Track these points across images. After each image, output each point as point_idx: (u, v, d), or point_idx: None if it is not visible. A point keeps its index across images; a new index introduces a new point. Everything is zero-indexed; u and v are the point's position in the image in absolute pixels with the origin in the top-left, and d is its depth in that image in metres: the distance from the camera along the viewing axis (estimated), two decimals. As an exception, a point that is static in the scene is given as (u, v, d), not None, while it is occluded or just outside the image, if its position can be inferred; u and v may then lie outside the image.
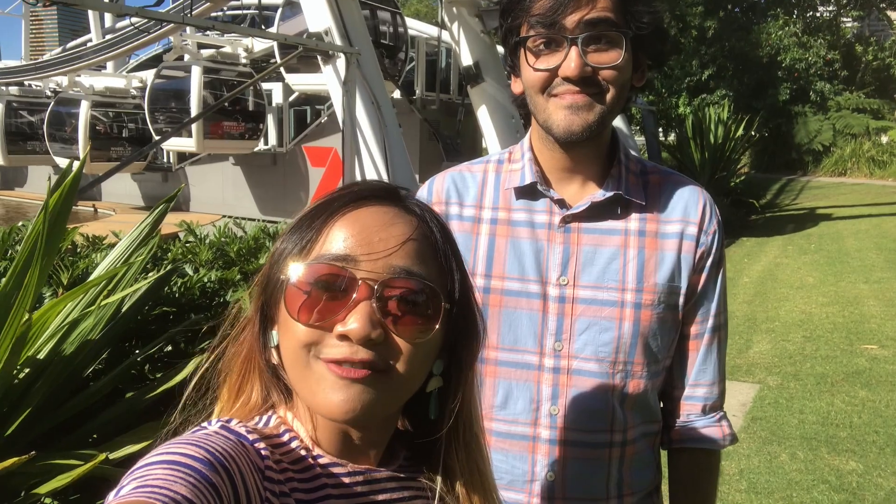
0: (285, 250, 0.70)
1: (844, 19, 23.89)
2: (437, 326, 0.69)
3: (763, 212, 13.99)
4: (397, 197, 0.74)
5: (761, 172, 20.20)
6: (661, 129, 20.26)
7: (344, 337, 0.65)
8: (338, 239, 0.67)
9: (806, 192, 16.86)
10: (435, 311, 0.69)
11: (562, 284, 1.12)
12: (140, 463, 0.58)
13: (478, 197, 1.19)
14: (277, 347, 0.72)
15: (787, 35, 20.98)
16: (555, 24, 1.02)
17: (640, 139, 18.98)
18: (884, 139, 19.89)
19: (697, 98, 20.78)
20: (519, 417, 1.13)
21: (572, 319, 1.11)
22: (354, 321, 0.64)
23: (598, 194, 1.13)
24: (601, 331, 1.11)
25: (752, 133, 17.27)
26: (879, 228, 11.22)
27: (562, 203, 1.14)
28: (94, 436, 2.00)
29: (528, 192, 1.16)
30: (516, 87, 1.15)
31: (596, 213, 1.13)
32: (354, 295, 0.65)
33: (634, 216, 1.14)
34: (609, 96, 1.06)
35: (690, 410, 1.19)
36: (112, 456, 1.78)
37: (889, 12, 24.05)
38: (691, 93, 21.22)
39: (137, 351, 2.21)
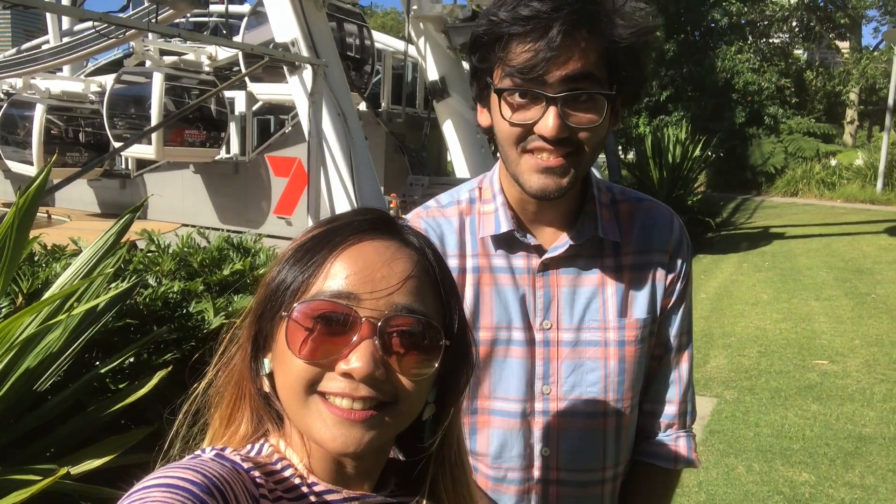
0: (283, 282, 0.70)
1: (797, 48, 24.89)
2: (438, 363, 0.70)
3: (719, 230, 14.35)
4: (396, 229, 0.74)
5: (717, 191, 20.72)
6: (620, 148, 20.67)
7: (346, 374, 0.65)
8: (339, 275, 0.67)
9: (760, 212, 17.37)
10: (435, 347, 0.69)
11: (545, 329, 1.11)
12: (138, 486, 0.58)
13: (458, 245, 1.14)
14: (269, 375, 0.71)
15: (741, 61, 21.70)
16: (534, 79, 0.95)
17: (600, 157, 19.34)
18: (833, 162, 20.66)
19: (656, 118, 21.31)
20: (514, 464, 1.12)
21: (558, 363, 1.11)
22: (357, 360, 0.64)
23: (574, 236, 1.10)
24: (587, 371, 1.11)
25: (709, 153, 17.75)
26: (829, 248, 11.62)
27: (539, 248, 1.11)
28: (52, 449, 1.94)
29: (505, 240, 1.12)
30: (483, 118, 1.08)
31: (572, 254, 1.11)
32: (358, 333, 0.65)
33: (609, 253, 1.13)
34: (584, 156, 1.02)
35: (651, 425, 1.19)
36: (73, 471, 1.73)
37: (837, 42, 25.12)
38: (650, 113, 21.76)
39: (98, 363, 2.16)
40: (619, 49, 0.97)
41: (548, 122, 0.96)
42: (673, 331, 1.16)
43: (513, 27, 0.95)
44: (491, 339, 1.11)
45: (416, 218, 1.17)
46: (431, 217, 1.16)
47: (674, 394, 1.18)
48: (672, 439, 1.18)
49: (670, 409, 1.18)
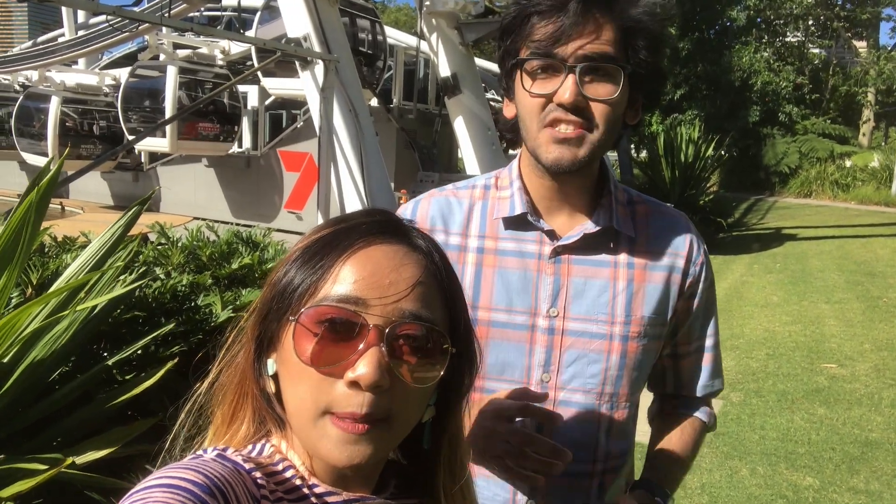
0: (290, 284, 0.69)
1: (812, 47, 24.65)
2: (443, 370, 0.69)
3: (730, 230, 14.25)
4: (404, 232, 0.73)
5: (730, 191, 20.57)
6: (632, 146, 20.56)
7: (353, 383, 0.64)
8: (348, 280, 0.66)
9: (772, 213, 17.24)
10: (441, 355, 0.69)
11: (552, 316, 1.11)
12: (138, 486, 0.58)
13: (464, 224, 1.16)
14: (274, 376, 0.71)
15: (758, 61, 21.51)
16: (554, 50, 1.01)
17: (612, 155, 19.27)
18: (847, 163, 20.47)
19: (669, 117, 21.16)
20: None
21: (561, 351, 1.11)
22: (364, 366, 0.64)
23: (589, 226, 1.12)
24: (589, 363, 1.12)
25: (722, 153, 17.62)
26: (842, 250, 11.53)
27: (552, 234, 1.13)
28: (59, 439, 1.98)
29: (517, 223, 1.14)
30: (508, 110, 1.13)
31: (586, 244, 1.12)
32: (365, 340, 0.65)
33: (623, 248, 1.14)
34: (600, 131, 1.05)
35: (688, 402, 1.26)
36: (78, 460, 1.76)
37: (854, 41, 24.86)
38: (663, 111, 21.61)
39: (106, 354, 2.19)
40: (635, 29, 1.03)
41: (565, 89, 1.01)
42: (710, 327, 1.21)
43: (537, 6, 1.03)
44: (488, 320, 1.12)
45: (429, 197, 1.19)
46: (444, 196, 1.19)
47: (720, 384, 1.25)
48: (707, 407, 1.26)
49: (706, 391, 1.24)
